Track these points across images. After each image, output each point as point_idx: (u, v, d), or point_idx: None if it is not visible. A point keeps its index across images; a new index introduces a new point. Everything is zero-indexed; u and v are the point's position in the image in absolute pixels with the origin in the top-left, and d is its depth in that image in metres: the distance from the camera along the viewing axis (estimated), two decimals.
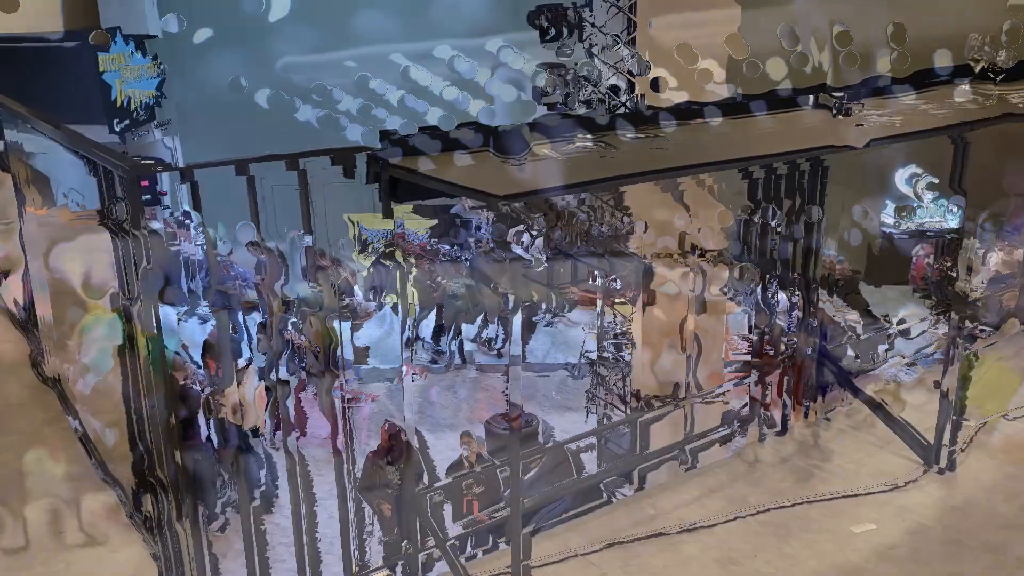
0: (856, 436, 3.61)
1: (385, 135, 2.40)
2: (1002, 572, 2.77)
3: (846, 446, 3.54)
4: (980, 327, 6.48)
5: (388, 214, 2.44)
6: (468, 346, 12.05)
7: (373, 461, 6.73)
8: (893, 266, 13.65)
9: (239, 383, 8.02)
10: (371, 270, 14.62)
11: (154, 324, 2.07)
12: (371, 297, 13.94)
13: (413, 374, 11.81)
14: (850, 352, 9.20)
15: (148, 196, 13.38)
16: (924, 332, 8.94)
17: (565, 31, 7.52)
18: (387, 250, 13.68)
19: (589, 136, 2.70)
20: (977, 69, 3.57)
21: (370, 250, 14.62)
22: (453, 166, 2.31)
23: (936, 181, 14.14)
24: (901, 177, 14.17)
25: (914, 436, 3.48)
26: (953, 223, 13.82)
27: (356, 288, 10.94)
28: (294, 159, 2.34)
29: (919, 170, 14.02)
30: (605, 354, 9.31)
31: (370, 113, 13.06)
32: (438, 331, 12.36)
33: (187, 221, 13.84)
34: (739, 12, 6.87)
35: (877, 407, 3.65)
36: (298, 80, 13.92)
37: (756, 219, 3.72)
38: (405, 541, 2.63)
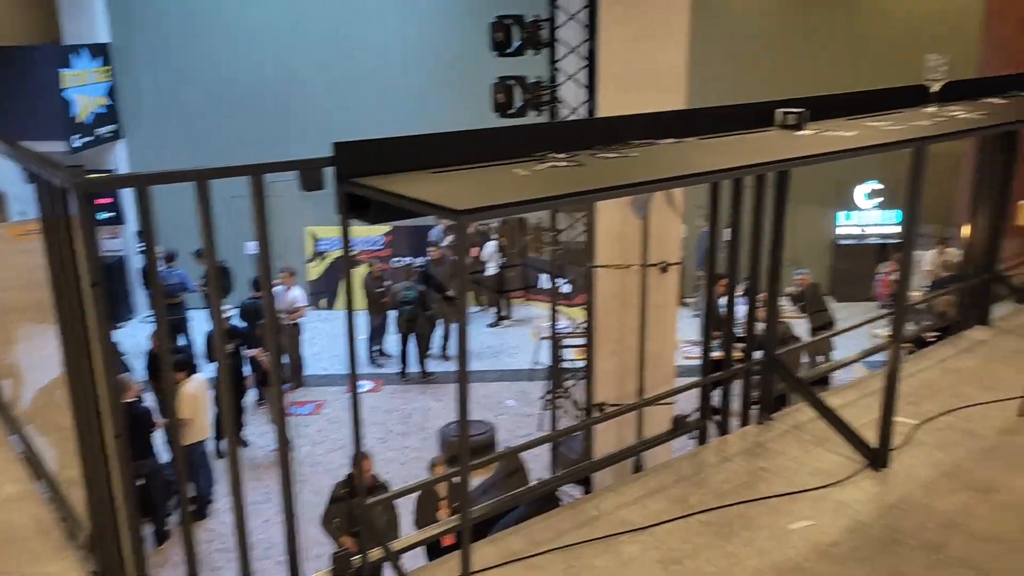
0: (797, 435, 3.67)
1: (342, 147, 2.35)
2: (943, 571, 2.83)
3: (787, 445, 3.59)
4: (928, 330, 6.63)
5: (346, 232, 2.40)
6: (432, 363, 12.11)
7: (344, 495, 6.61)
8: (858, 281, 13.98)
9: (185, 394, 7.91)
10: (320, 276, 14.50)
11: (106, 346, 2.01)
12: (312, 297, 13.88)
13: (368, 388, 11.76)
14: (801, 358, 9.40)
15: (112, 214, 13.22)
16: (874, 336, 9.16)
17: (528, 43, 7.57)
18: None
19: (555, 151, 2.70)
20: (934, 88, 3.67)
21: (323, 259, 14.57)
22: (414, 180, 2.29)
23: (881, 187, 14.58)
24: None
25: (856, 435, 3.55)
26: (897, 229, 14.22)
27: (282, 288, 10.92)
28: (257, 172, 2.27)
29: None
30: (564, 364, 9.37)
31: (328, 122, 13.00)
32: (379, 332, 12.40)
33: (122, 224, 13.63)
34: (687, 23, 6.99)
35: (822, 408, 3.72)
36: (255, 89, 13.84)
37: (720, 230, 3.79)
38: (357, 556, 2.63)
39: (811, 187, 12.53)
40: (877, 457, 3.46)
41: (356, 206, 2.44)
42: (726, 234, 3.84)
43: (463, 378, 2.08)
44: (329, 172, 2.45)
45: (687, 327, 12.73)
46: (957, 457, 3.57)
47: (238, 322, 10.49)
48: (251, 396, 10.68)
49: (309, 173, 2.32)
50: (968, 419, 3.89)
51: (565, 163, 2.59)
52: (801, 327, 10.46)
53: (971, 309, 5.04)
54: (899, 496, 3.27)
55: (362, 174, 2.41)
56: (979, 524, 3.07)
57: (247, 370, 10.34)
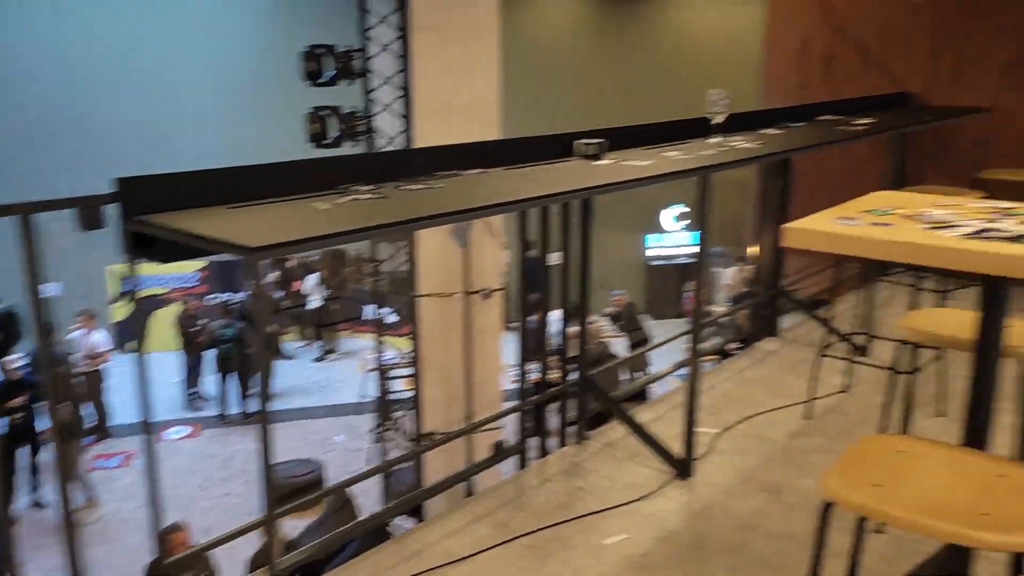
0: (611, 452, 3.82)
1: (127, 182, 2.21)
2: (745, 571, 3.02)
3: (602, 463, 3.72)
4: (730, 342, 7.11)
5: (133, 272, 2.25)
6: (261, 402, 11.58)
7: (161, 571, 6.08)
8: (669, 299, 15.09)
9: None
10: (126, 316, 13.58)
11: None
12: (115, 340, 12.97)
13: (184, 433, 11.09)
14: (616, 375, 9.80)
15: None
16: (683, 349, 9.71)
17: (341, 73, 7.47)
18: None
19: (361, 183, 2.66)
20: (716, 120, 3.96)
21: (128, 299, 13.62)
22: (206, 216, 2.18)
23: (688, 211, 15.63)
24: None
25: (664, 448, 3.73)
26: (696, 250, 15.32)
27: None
28: (26, 211, 2.08)
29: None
30: (392, 395, 9.26)
31: (135, 153, 12.23)
32: (195, 373, 11.80)
33: None
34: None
35: (631, 424, 3.89)
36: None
37: (533, 255, 3.92)
38: None
39: (622, 212, 13.23)
40: (683, 467, 3.65)
41: (144, 244, 2.30)
42: (550, 259, 3.97)
43: (263, 419, 2.00)
44: (114, 209, 2.31)
45: (512, 351, 12.95)
46: (752, 462, 3.84)
47: (30, 372, 9.56)
48: (48, 452, 9.74)
49: (87, 211, 2.16)
50: (761, 425, 4.20)
51: (368, 196, 2.57)
52: (620, 345, 10.93)
53: (762, 322, 5.47)
54: (703, 503, 3.47)
55: (150, 210, 2.28)
56: (773, 524, 3.31)
57: (43, 424, 9.44)
